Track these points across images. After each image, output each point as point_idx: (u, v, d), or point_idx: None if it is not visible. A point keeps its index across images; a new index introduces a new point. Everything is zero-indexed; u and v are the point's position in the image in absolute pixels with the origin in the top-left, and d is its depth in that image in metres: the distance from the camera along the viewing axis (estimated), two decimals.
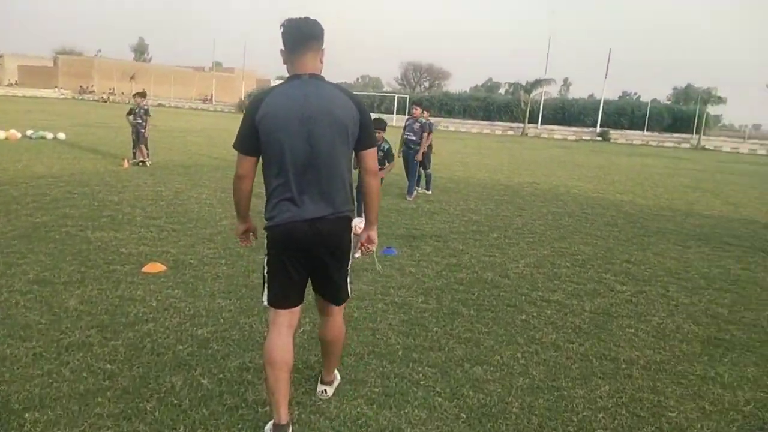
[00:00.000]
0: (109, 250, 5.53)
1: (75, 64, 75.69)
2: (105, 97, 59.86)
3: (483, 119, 51.87)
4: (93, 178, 9.89)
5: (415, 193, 9.80)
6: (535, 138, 41.31)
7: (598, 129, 44.46)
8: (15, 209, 6.99)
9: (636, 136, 43.48)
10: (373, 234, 2.77)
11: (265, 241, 2.57)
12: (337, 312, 2.81)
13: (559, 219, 8.76)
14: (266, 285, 2.58)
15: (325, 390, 3.02)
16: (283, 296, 2.57)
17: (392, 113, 47.26)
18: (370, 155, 2.60)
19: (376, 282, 5.03)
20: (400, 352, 3.64)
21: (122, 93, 63.81)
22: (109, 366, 3.22)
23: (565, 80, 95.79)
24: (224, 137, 21.43)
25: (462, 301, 4.67)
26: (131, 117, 12.15)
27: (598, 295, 5.10)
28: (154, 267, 5.04)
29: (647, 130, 45.28)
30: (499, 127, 47.69)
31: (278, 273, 2.54)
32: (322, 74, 2.57)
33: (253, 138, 2.45)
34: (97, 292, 4.38)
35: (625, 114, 48.49)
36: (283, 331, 2.57)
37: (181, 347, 3.53)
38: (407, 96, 48.20)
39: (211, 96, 69.48)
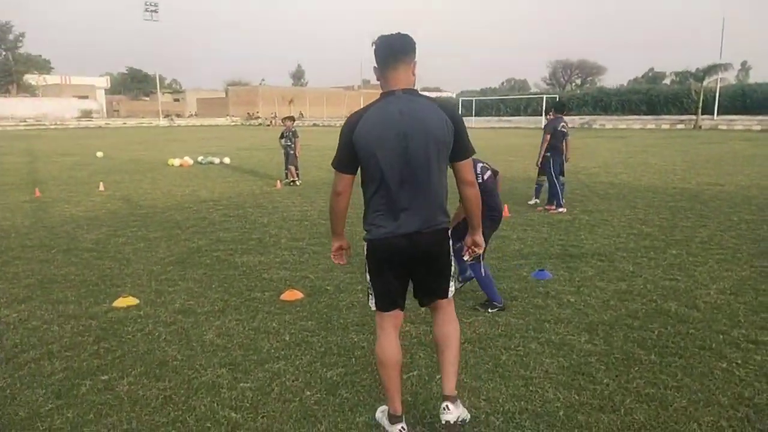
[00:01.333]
0: (252, 276, 5.53)
1: (242, 93, 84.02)
2: (268, 121, 65.37)
3: (646, 113, 47.17)
4: (248, 200, 10.40)
5: (563, 205, 8.67)
6: (711, 130, 36.39)
7: None
8: (176, 234, 7.45)
9: None
10: (478, 238, 2.83)
11: (365, 251, 2.66)
12: (447, 304, 2.81)
13: (756, 229, 7.17)
14: (371, 292, 2.70)
15: (447, 406, 2.73)
16: (388, 301, 2.68)
17: (540, 115, 44.90)
18: (466, 166, 2.62)
19: (527, 314, 4.34)
20: (561, 412, 2.95)
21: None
22: (233, 414, 3.00)
23: (744, 64, 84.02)
24: None
25: (639, 342, 3.79)
26: (282, 140, 12.72)
27: None
28: (292, 294, 4.88)
29: None
30: (666, 121, 42.93)
31: (380, 281, 2.65)
32: (415, 87, 2.59)
33: (350, 156, 2.52)
34: (235, 323, 4.29)
35: None
36: (390, 332, 2.71)
37: (309, 393, 3.21)
38: (557, 96, 45.53)
39: None
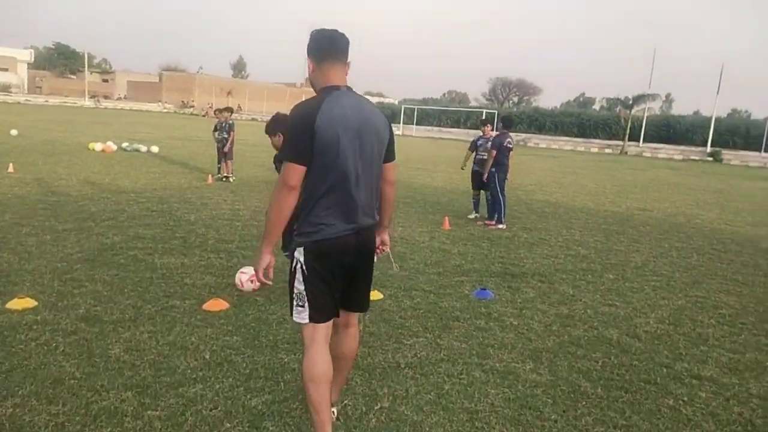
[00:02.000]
0: (172, 280, 5.01)
1: (178, 80, 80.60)
2: (203, 111, 63.04)
3: (577, 136, 49.19)
4: (175, 194, 9.70)
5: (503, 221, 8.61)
6: (636, 157, 38.40)
7: (709, 149, 40.61)
8: (88, 227, 6.74)
9: (752, 158, 39.21)
10: (386, 236, 2.89)
11: (299, 258, 2.49)
12: (357, 321, 2.82)
13: (687, 257, 7.37)
14: (306, 303, 2.50)
15: (334, 411, 2.82)
16: (328, 311, 2.56)
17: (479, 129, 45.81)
18: (393, 167, 2.73)
19: (469, 337, 4.11)
20: None
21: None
22: None
23: (667, 96, 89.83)
24: None
25: (584, 373, 3.64)
26: (216, 133, 12.06)
27: (765, 370, 3.88)
28: (216, 304, 4.42)
29: (765, 151, 40.83)
30: (595, 145, 44.90)
31: (320, 288, 2.50)
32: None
33: (309, 147, 2.37)
34: (147, 336, 3.79)
35: (739, 133, 44.01)
36: (323, 345, 2.55)
37: (228, 425, 2.80)
38: (495, 111, 46.68)
39: None
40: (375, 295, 4.82)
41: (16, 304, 4.16)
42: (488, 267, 6.15)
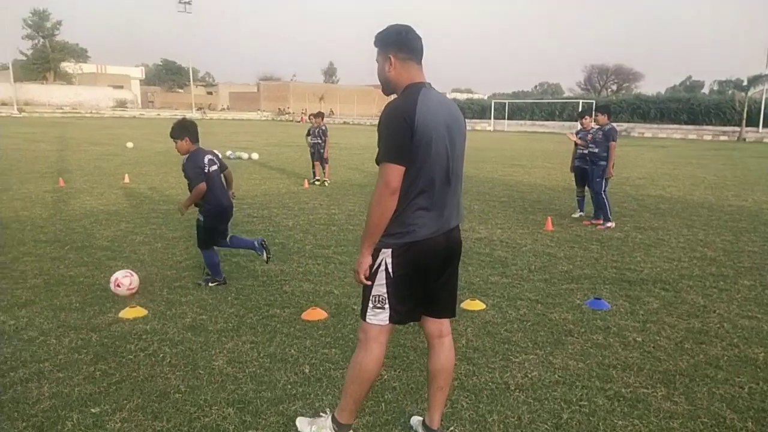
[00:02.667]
0: (272, 287, 5.03)
1: (273, 88, 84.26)
2: (299, 117, 65.37)
3: (687, 123, 45.45)
4: (274, 199, 9.94)
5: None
6: (756, 144, 34.76)
7: None
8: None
9: None
10: None
11: (384, 260, 2.39)
12: (450, 330, 2.67)
13: None
14: (386, 305, 2.42)
15: None
16: (408, 315, 2.51)
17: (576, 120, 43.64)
18: None
19: (587, 355, 3.72)
20: None
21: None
22: None
23: None
24: None
25: (728, 401, 3.14)
26: (309, 138, 12.24)
27: None
28: (315, 314, 4.35)
29: None
30: (708, 132, 41.27)
31: (404, 292, 2.42)
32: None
33: (409, 147, 2.27)
34: (249, 347, 3.77)
35: None
36: (384, 346, 2.52)
37: None
38: (592, 101, 44.17)
39: None
40: (476, 305, 4.54)
41: (128, 313, 4.33)
42: (600, 273, 5.64)
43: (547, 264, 5.92)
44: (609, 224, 7.83)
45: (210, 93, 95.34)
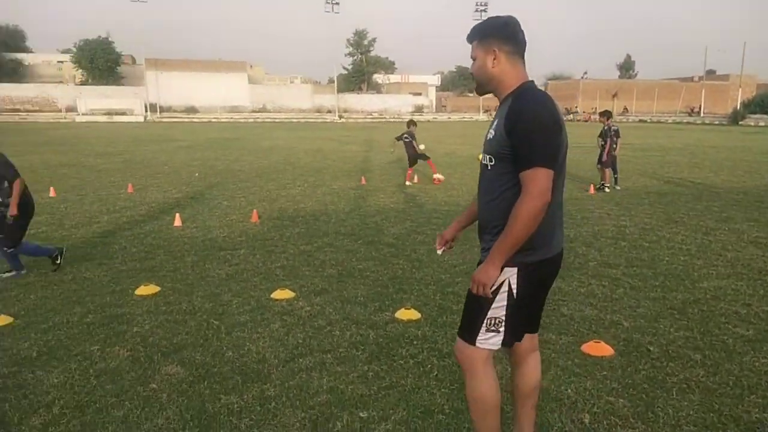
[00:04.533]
0: (549, 307, 4.52)
1: (562, 87, 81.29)
2: (586, 116, 61.76)
3: None
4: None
5: None
6: None
7: None
8: (473, 238, 6.90)
9: None
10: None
11: (509, 280, 2.16)
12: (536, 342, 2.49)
13: None
14: (502, 328, 2.22)
15: None
16: (520, 335, 2.33)
17: None
18: None
19: None
20: None
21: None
22: None
23: None
24: (711, 156, 18.06)
25: None
26: (599, 139, 11.17)
27: None
28: (599, 348, 3.73)
29: None
30: None
31: (524, 313, 2.24)
32: None
33: (558, 152, 2.10)
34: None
35: None
36: (494, 368, 2.34)
37: None
38: None
39: (699, 107, 62.41)
40: None
41: (403, 314, 4.40)
42: None
43: None
44: None
45: None
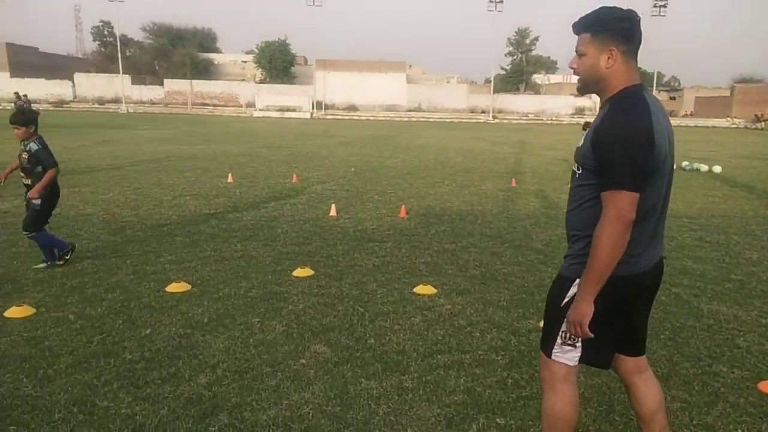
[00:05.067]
0: (720, 336, 4.03)
1: (751, 92, 71.41)
2: None
3: None
4: (735, 223, 8.23)
5: None
6: None
7: None
8: None
9: None
10: None
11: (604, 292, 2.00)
12: (647, 363, 2.36)
13: None
14: (580, 343, 2.10)
15: None
16: (604, 355, 2.18)
17: None
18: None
19: None
20: None
21: None
22: None
23: None
24: None
25: None
26: None
27: None
28: None
29: None
30: None
31: (605, 329, 2.07)
32: None
33: (645, 172, 1.94)
34: (678, 407, 3.06)
35: None
36: (576, 386, 2.24)
37: None
38: None
39: None
40: None
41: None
42: None
43: None
44: None
45: (673, 98, 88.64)
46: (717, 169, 15.34)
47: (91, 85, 62.08)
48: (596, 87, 2.09)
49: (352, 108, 62.68)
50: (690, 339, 3.99)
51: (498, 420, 2.92)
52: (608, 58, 2.00)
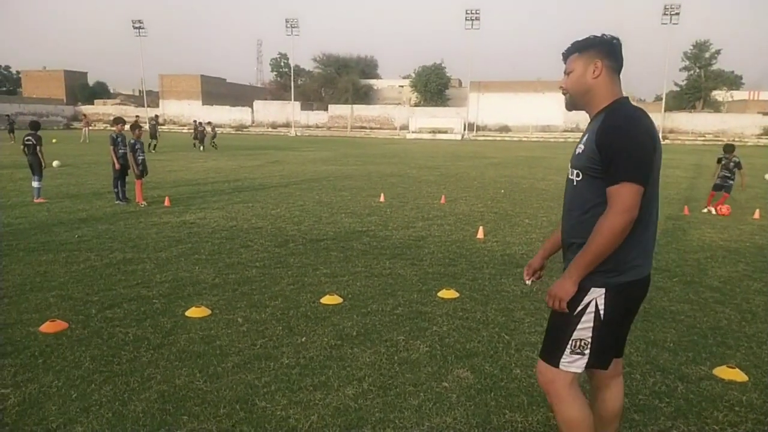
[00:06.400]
0: None
1: None
2: None
3: None
4: None
5: None
6: None
7: None
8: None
9: None
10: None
11: (596, 300, 2.13)
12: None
13: None
14: (588, 350, 2.16)
15: None
16: (608, 359, 2.25)
17: None
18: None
19: None
20: None
21: None
22: None
23: None
24: None
25: None
26: None
27: None
28: None
29: None
30: None
31: (611, 335, 2.19)
32: None
33: (651, 168, 2.06)
34: None
35: None
36: (580, 390, 2.31)
37: None
38: None
39: None
40: None
41: (724, 372, 3.69)
42: None
43: None
44: None
45: None
46: None
47: (267, 111, 69.00)
48: (583, 99, 2.21)
49: (505, 129, 61.71)
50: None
51: None
52: (594, 69, 2.16)
